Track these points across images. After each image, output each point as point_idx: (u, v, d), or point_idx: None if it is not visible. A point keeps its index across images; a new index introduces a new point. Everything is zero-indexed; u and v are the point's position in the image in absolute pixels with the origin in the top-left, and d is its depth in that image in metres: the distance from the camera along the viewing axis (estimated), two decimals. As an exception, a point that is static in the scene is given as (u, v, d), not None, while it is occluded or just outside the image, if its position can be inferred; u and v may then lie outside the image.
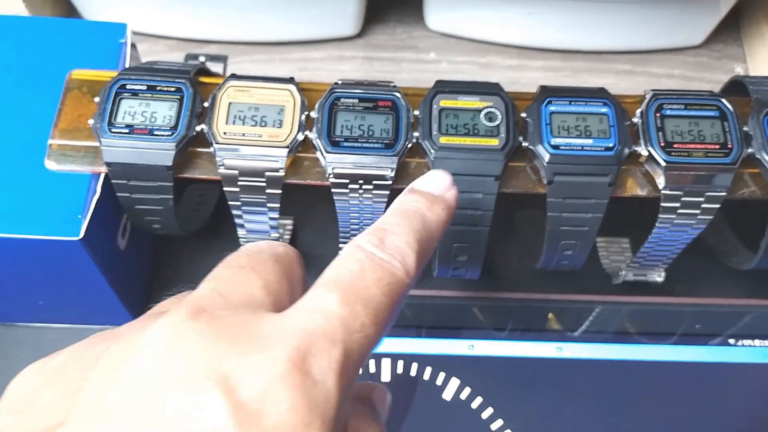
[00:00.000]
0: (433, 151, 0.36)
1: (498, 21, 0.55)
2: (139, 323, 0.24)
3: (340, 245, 0.42)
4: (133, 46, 0.43)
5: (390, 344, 0.43)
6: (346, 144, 0.36)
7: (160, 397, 0.21)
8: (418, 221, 0.28)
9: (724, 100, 0.38)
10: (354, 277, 0.24)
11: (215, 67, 0.48)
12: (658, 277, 0.44)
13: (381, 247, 0.26)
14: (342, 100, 0.37)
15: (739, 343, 0.44)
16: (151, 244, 0.48)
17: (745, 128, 0.37)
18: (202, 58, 0.47)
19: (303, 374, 0.21)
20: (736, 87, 0.41)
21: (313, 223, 0.49)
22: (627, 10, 0.53)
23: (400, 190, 0.37)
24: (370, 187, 0.37)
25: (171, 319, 0.22)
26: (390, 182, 0.36)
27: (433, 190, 0.30)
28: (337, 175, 0.36)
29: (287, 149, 0.36)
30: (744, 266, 0.42)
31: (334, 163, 0.36)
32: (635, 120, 0.37)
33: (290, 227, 0.49)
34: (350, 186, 0.37)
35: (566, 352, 0.43)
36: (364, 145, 0.36)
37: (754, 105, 0.38)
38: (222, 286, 0.24)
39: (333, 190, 0.37)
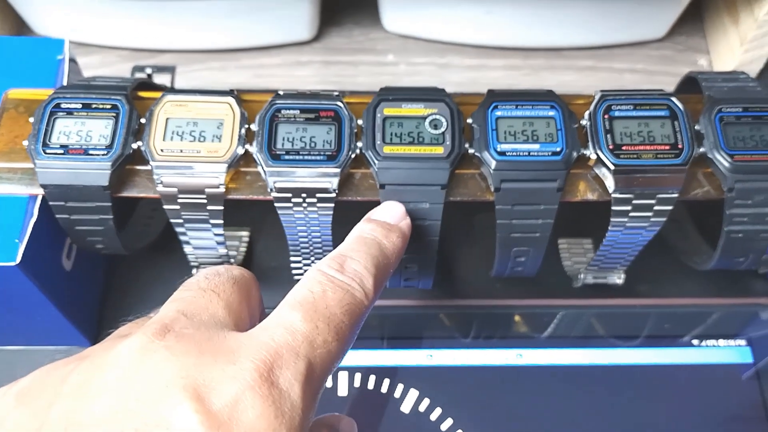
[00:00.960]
0: (376, 161, 0.35)
1: (456, 20, 0.54)
2: (104, 345, 0.25)
3: (291, 260, 0.41)
4: (74, 61, 0.42)
5: (347, 357, 0.42)
6: (287, 157, 0.35)
7: (131, 409, 0.22)
8: (376, 248, 0.30)
9: (674, 99, 0.37)
10: (316, 298, 0.26)
11: (163, 78, 0.47)
12: (618, 279, 0.43)
13: (341, 271, 0.28)
14: (283, 111, 0.36)
15: (703, 343, 0.43)
16: (103, 262, 0.47)
17: (696, 127, 0.36)
18: (148, 70, 0.46)
19: (270, 384, 0.22)
20: (692, 83, 0.40)
21: (270, 234, 0.48)
22: (587, 6, 0.52)
23: (348, 202, 0.36)
24: (314, 200, 0.36)
25: (137, 338, 0.24)
26: (333, 195, 0.35)
27: (389, 219, 0.33)
28: (279, 189, 0.35)
29: (227, 164, 0.35)
30: (704, 266, 0.41)
31: (276, 177, 0.35)
32: (584, 122, 0.36)
33: (246, 239, 0.48)
34: (293, 200, 0.36)
35: (527, 358, 0.43)
36: (306, 157, 0.35)
37: (706, 102, 0.37)
38: (184, 307, 0.26)
39: (276, 204, 0.36)
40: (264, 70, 0.54)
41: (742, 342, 0.43)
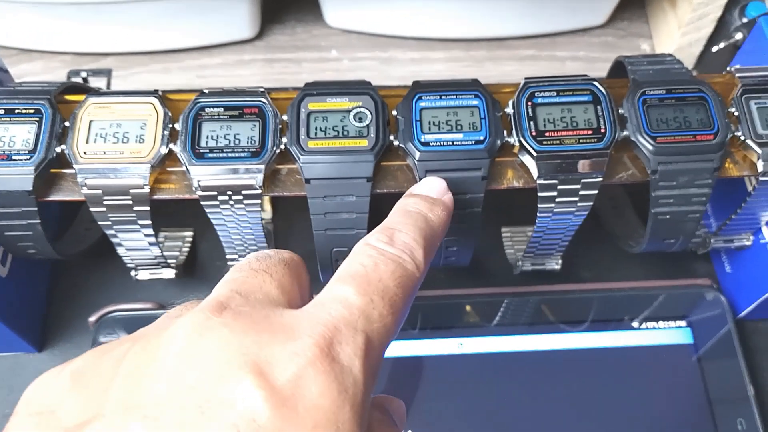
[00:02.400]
0: (301, 156, 0.35)
1: (398, 14, 0.54)
2: (158, 324, 0.24)
3: (228, 259, 0.41)
4: (4, 70, 0.42)
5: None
6: (210, 155, 0.35)
7: (192, 387, 0.21)
8: (422, 221, 0.29)
9: (596, 84, 0.37)
10: (368, 271, 0.25)
11: (99, 81, 0.46)
12: (556, 264, 0.43)
13: (391, 244, 0.27)
14: (207, 109, 0.36)
15: (644, 325, 0.44)
16: (47, 267, 0.47)
17: (620, 111, 0.37)
18: (83, 74, 0.46)
19: (331, 360, 0.22)
20: (624, 67, 0.40)
21: (214, 233, 0.48)
22: (527, -6, 0.52)
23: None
24: (240, 197, 0.36)
25: (194, 316, 0.23)
26: (259, 191, 0.35)
27: (431, 193, 0.32)
28: (204, 188, 0.35)
29: (150, 165, 0.35)
30: (637, 249, 0.41)
31: (200, 175, 0.35)
32: (508, 110, 0.37)
33: (189, 239, 0.48)
34: (219, 198, 0.36)
35: (467, 347, 0.43)
36: (230, 155, 0.35)
37: (630, 86, 0.38)
38: (238, 287, 0.25)
39: (202, 203, 0.36)
40: (206, 71, 0.54)
41: (683, 323, 0.44)
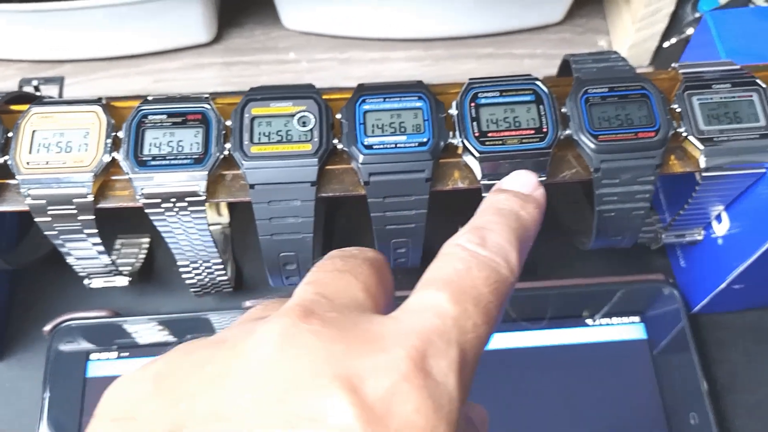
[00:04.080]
0: (244, 162, 0.35)
1: (356, 14, 0.54)
2: (242, 328, 0.23)
3: (179, 266, 0.41)
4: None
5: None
6: (153, 163, 0.35)
7: (279, 399, 0.20)
8: (514, 220, 0.27)
9: (539, 83, 0.37)
10: (462, 276, 0.24)
11: (51, 89, 0.46)
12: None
13: (483, 246, 0.25)
14: (150, 117, 0.36)
15: (598, 322, 0.44)
16: (2, 276, 0.47)
17: (563, 109, 0.37)
18: (35, 82, 0.46)
19: (425, 375, 0.21)
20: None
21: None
22: (484, -7, 0.53)
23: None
24: (185, 204, 0.36)
25: (279, 321, 0.22)
26: (203, 197, 0.35)
27: (523, 189, 0.30)
28: (147, 196, 0.35)
29: (93, 174, 0.35)
30: (587, 246, 0.42)
31: (142, 183, 0.35)
32: (452, 112, 0.37)
33: (146, 245, 0.48)
34: (163, 205, 0.36)
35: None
36: (173, 162, 0.35)
37: (574, 84, 0.38)
38: (324, 290, 0.24)
39: (146, 211, 0.36)
40: (165, 75, 0.54)
41: (636, 319, 0.44)
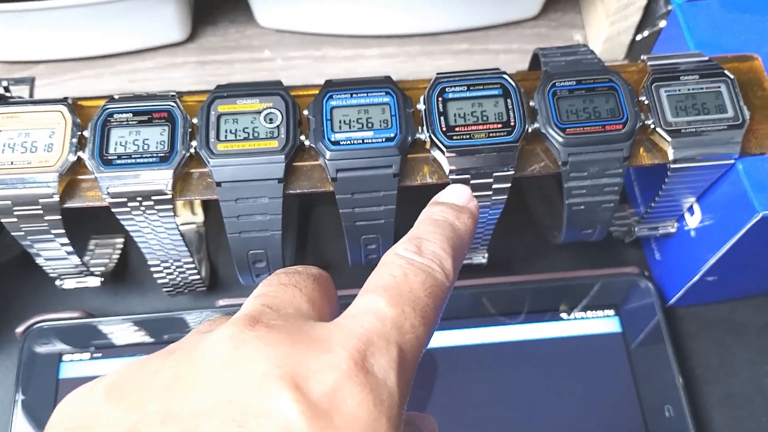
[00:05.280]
0: (210, 159, 0.35)
1: (329, 11, 0.54)
2: (191, 339, 0.24)
3: (150, 266, 0.41)
4: None
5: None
6: (118, 162, 0.35)
7: (228, 400, 0.21)
8: (449, 229, 0.29)
9: (506, 77, 0.37)
10: (399, 282, 0.25)
11: (22, 90, 0.46)
12: (482, 258, 0.44)
13: (419, 253, 0.27)
14: (115, 116, 0.36)
15: (572, 316, 0.44)
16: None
17: (531, 103, 0.37)
18: (5, 83, 0.45)
19: (366, 372, 0.22)
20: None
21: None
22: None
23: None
24: (151, 203, 0.35)
25: (227, 329, 0.23)
26: (169, 196, 0.35)
27: (457, 201, 0.31)
28: (114, 195, 0.35)
29: (58, 173, 0.35)
30: (558, 240, 0.42)
31: (108, 182, 0.35)
32: (419, 107, 0.37)
33: (120, 245, 0.47)
34: (130, 204, 0.36)
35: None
36: (138, 160, 0.35)
37: (542, 78, 0.38)
38: (269, 301, 0.25)
39: (113, 210, 0.36)
40: (138, 75, 0.54)
41: (611, 312, 0.44)
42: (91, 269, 0.44)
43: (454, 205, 0.31)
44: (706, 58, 0.38)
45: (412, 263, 0.26)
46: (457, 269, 0.28)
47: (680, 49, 0.41)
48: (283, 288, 0.26)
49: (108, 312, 0.45)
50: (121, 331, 0.44)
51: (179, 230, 0.38)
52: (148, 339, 0.44)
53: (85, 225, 0.47)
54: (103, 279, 0.43)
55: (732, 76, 0.37)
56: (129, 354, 0.43)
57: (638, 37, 0.50)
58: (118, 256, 0.47)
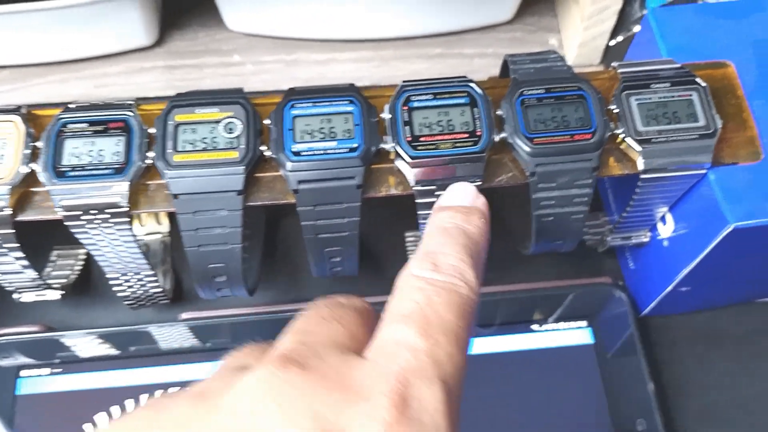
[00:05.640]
0: (166, 171, 0.34)
1: (301, 15, 0.53)
2: (221, 380, 0.23)
3: (108, 278, 0.39)
4: None
5: (178, 372, 0.41)
6: (72, 174, 0.34)
7: None
8: (462, 236, 0.27)
9: (473, 85, 0.36)
10: (423, 308, 0.24)
11: (-20, 97, 0.45)
12: (453, 269, 0.43)
13: (437, 270, 0.25)
14: (69, 126, 0.35)
15: (545, 327, 0.43)
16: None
17: (499, 112, 0.36)
18: (-37, 90, 0.44)
19: (409, 419, 0.20)
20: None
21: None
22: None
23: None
24: (107, 216, 0.34)
25: (260, 373, 0.22)
26: (126, 209, 0.34)
27: (463, 201, 0.30)
28: (67, 208, 0.34)
29: (9, 186, 0.34)
30: (528, 252, 0.41)
31: (60, 195, 0.34)
32: (384, 116, 0.36)
33: (83, 257, 0.46)
34: (84, 218, 0.34)
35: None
36: (92, 172, 0.34)
37: (510, 86, 0.37)
38: (306, 339, 0.24)
39: (66, 224, 0.35)
40: (106, 79, 0.53)
41: (584, 323, 0.43)
42: (52, 281, 0.43)
43: (460, 208, 0.29)
44: (678, 65, 0.37)
45: (433, 283, 0.25)
46: (480, 277, 0.26)
47: (653, 54, 0.40)
48: (323, 322, 0.25)
49: (69, 325, 0.44)
50: (82, 345, 0.43)
51: (137, 243, 0.37)
52: (112, 352, 0.43)
53: (48, 234, 0.46)
54: (63, 292, 0.42)
55: (704, 84, 0.36)
56: (91, 369, 0.42)
57: (612, 43, 0.49)
58: (80, 268, 0.46)
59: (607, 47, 0.51)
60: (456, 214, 0.29)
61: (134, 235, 0.36)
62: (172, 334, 0.43)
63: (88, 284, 0.46)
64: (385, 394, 0.21)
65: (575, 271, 0.47)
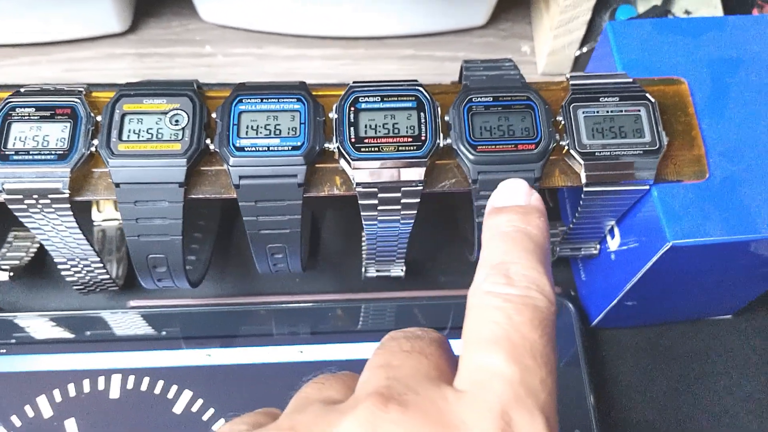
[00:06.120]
0: (110, 159, 0.34)
1: (274, 9, 0.53)
2: (314, 417, 0.22)
3: (57, 263, 0.40)
4: None
5: (121, 360, 0.41)
6: (16, 157, 0.34)
7: None
8: (527, 240, 0.26)
9: (422, 89, 0.36)
10: (506, 329, 0.22)
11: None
12: (401, 271, 0.43)
13: (511, 283, 0.24)
14: (18, 110, 0.35)
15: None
16: None
17: (446, 118, 0.36)
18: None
19: None
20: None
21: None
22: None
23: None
24: (48, 201, 0.35)
25: (361, 412, 0.21)
26: (66, 195, 0.34)
27: (518, 200, 0.28)
28: (9, 191, 0.34)
29: (-46, 167, 0.34)
30: (473, 258, 0.41)
31: (3, 178, 0.34)
32: (331, 115, 0.36)
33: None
34: (26, 202, 0.35)
35: (307, 354, 0.42)
36: (36, 157, 0.34)
37: (460, 92, 0.37)
38: (396, 374, 0.23)
39: (10, 207, 0.35)
40: (76, 64, 0.53)
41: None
42: (6, 262, 0.44)
43: (517, 208, 0.27)
44: (631, 80, 0.37)
45: (510, 299, 0.23)
46: (553, 284, 0.25)
47: (609, 68, 0.40)
48: (407, 356, 0.24)
49: (20, 307, 0.44)
50: (37, 326, 0.43)
51: (81, 230, 0.37)
52: (66, 335, 0.43)
53: (9, 216, 0.46)
54: (12, 274, 0.42)
55: (653, 100, 0.36)
56: (37, 351, 0.42)
57: (576, 53, 0.49)
58: (35, 251, 0.46)
59: (577, 57, 0.51)
60: (514, 216, 0.27)
61: (77, 222, 0.36)
62: (125, 321, 0.44)
63: (42, 268, 0.46)
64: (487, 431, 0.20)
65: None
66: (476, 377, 0.22)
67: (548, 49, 0.51)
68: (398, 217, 0.37)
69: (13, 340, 0.42)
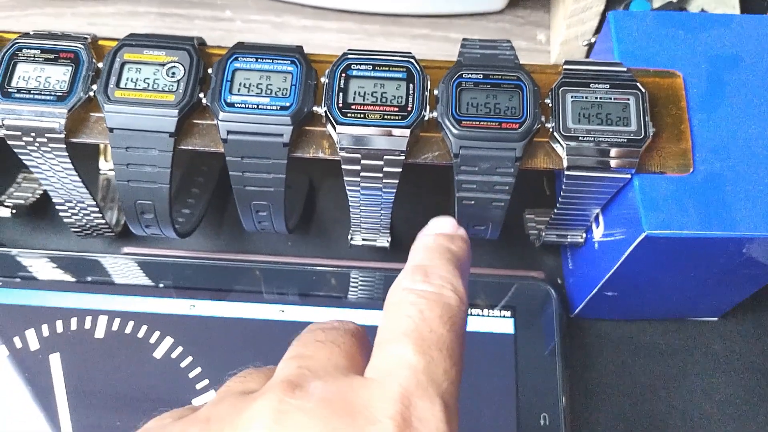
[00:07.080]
0: (105, 105, 0.35)
1: (295, -20, 0.54)
2: (227, 406, 0.24)
3: (57, 208, 0.41)
4: None
5: (109, 302, 0.43)
6: (17, 95, 0.36)
7: None
8: (448, 252, 0.28)
9: (414, 61, 0.37)
10: (417, 323, 0.24)
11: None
12: (386, 242, 0.43)
13: (427, 281, 0.26)
14: (24, 50, 0.37)
15: (470, 312, 0.44)
16: None
17: (435, 91, 0.36)
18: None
19: None
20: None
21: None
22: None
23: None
24: (45, 140, 0.36)
25: (267, 400, 0.22)
26: (62, 135, 0.36)
27: (445, 230, 0.31)
28: (9, 127, 0.36)
29: (-40, 101, 0.36)
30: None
31: (4, 114, 0.35)
32: (323, 80, 0.36)
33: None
34: (24, 139, 0.36)
35: (288, 314, 0.43)
36: (36, 96, 0.36)
37: (452, 67, 0.37)
38: (307, 363, 0.24)
39: (9, 143, 0.36)
40: (98, 19, 0.54)
41: (507, 313, 0.44)
42: (12, 200, 0.46)
43: (443, 234, 0.30)
44: (624, 69, 0.37)
45: (424, 295, 0.25)
46: (467, 290, 0.27)
47: (608, 57, 0.40)
48: (320, 346, 0.25)
49: (20, 244, 0.46)
50: (29, 264, 0.45)
51: (78, 173, 0.38)
52: (54, 274, 0.44)
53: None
54: (14, 211, 0.44)
55: (643, 90, 0.36)
56: (30, 287, 0.44)
57: (584, 42, 0.49)
58: (41, 193, 0.47)
59: (590, 47, 0.51)
60: (439, 236, 0.30)
61: (73, 164, 0.37)
62: (117, 266, 0.45)
63: (46, 210, 0.48)
64: (391, 417, 0.22)
65: (515, 263, 0.47)
66: (384, 366, 0.24)
67: (561, 39, 0.51)
68: (380, 185, 0.37)
69: (10, 275, 0.44)
